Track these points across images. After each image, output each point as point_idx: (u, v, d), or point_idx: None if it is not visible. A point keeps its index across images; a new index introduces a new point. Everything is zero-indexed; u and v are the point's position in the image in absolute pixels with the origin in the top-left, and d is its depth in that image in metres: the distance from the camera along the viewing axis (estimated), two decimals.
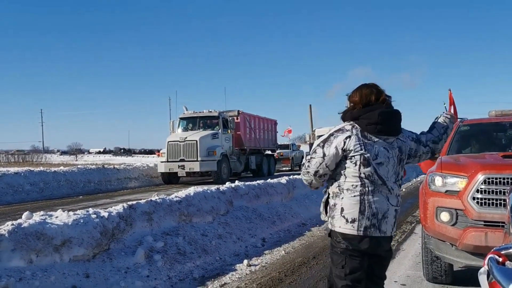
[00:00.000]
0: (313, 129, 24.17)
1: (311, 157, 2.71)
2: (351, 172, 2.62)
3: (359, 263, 2.65)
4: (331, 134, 2.67)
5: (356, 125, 2.66)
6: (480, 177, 4.00)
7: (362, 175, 2.60)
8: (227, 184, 8.62)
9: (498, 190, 3.92)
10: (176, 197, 6.70)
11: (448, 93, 12.21)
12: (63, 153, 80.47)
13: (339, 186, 2.67)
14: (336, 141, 2.62)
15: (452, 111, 11.88)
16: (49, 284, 4.15)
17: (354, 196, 2.61)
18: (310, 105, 24.40)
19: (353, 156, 2.61)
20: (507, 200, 2.95)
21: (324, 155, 2.64)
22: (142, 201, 6.19)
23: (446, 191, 4.24)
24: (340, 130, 2.67)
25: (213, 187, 7.95)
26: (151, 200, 6.31)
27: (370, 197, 2.60)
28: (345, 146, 2.61)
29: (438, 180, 4.33)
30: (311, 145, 23.06)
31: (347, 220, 2.60)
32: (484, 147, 5.40)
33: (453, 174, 4.26)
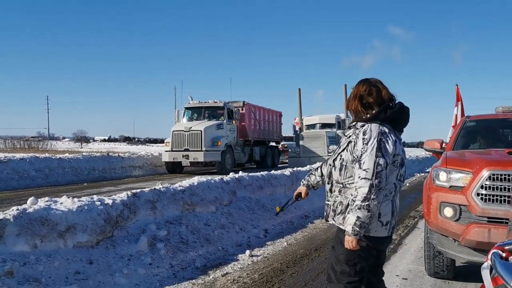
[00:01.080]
0: (302, 117, 22.73)
1: (376, 172, 2.43)
2: (393, 177, 2.56)
3: (370, 261, 2.66)
4: (380, 140, 2.48)
5: (389, 125, 2.58)
6: (485, 173, 3.98)
7: (399, 177, 2.59)
8: (231, 174, 8.63)
9: (502, 186, 3.90)
10: (180, 186, 6.72)
11: (455, 88, 12.03)
12: (71, 140, 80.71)
13: None
14: (389, 146, 2.51)
15: (459, 107, 11.74)
16: (53, 269, 4.19)
17: (390, 200, 2.58)
18: (299, 89, 22.47)
19: (396, 160, 2.55)
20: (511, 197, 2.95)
21: (387, 164, 2.48)
22: (146, 189, 6.22)
23: (451, 186, 4.23)
24: (385, 134, 2.52)
25: (217, 177, 7.96)
26: (155, 188, 6.34)
27: (396, 197, 2.62)
28: (396, 151, 2.54)
29: (443, 175, 4.32)
30: (297, 135, 21.62)
31: (382, 224, 2.57)
32: (490, 143, 5.37)
33: (458, 169, 4.24)
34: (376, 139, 2.48)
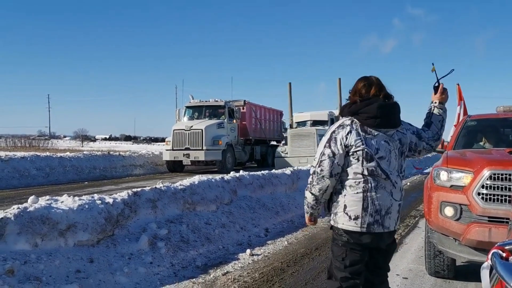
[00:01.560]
0: (292, 114, 20.65)
1: (320, 161, 2.62)
2: (354, 168, 2.60)
3: (359, 256, 2.66)
4: (333, 132, 2.64)
5: (355, 120, 2.63)
6: (486, 172, 3.98)
7: (365, 172, 2.58)
8: (232, 173, 8.63)
9: (503, 186, 3.90)
10: (180, 185, 6.72)
11: (456, 87, 12.01)
12: (72, 138, 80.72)
13: (341, 182, 2.65)
14: (339, 137, 2.60)
15: (462, 106, 11.65)
16: (54, 268, 4.19)
17: (357, 193, 2.59)
18: (290, 83, 20.22)
19: (355, 151, 2.58)
20: None
21: (333, 154, 2.59)
22: (147, 188, 6.22)
23: (451, 185, 4.22)
24: (341, 126, 2.64)
25: (218, 176, 7.97)
26: (155, 187, 6.34)
27: (373, 193, 2.59)
28: (346, 142, 2.59)
29: (444, 175, 4.32)
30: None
31: (350, 217, 2.60)
32: (491, 143, 5.37)
33: (459, 169, 4.24)
34: (330, 131, 2.67)
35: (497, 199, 3.92)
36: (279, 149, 19.94)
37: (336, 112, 20.15)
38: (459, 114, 11.05)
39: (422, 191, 4.98)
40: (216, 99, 20.02)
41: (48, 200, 4.97)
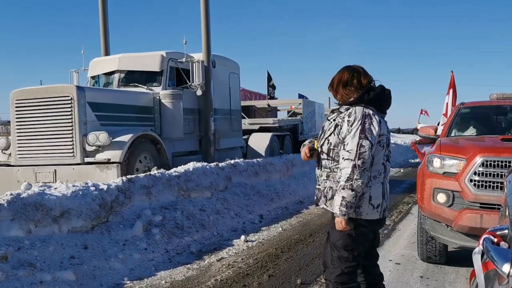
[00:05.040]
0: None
1: (359, 153, 2.48)
2: (380, 157, 2.60)
3: (367, 243, 2.70)
4: (364, 122, 2.53)
5: (373, 107, 2.62)
6: (478, 159, 4.00)
7: (385, 158, 2.62)
8: (227, 160, 8.64)
9: (495, 172, 3.93)
10: (175, 172, 6.72)
11: (450, 75, 12.00)
12: None
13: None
14: (373, 127, 2.54)
15: (451, 95, 11.66)
16: (48, 254, 4.20)
17: (380, 182, 2.62)
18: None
19: (381, 140, 2.59)
20: (504, 183, 2.97)
21: (372, 144, 2.51)
22: (141, 175, 6.22)
23: (444, 172, 4.25)
24: (369, 116, 2.56)
25: (212, 163, 7.97)
26: (150, 174, 6.34)
27: (386, 180, 2.66)
28: (381, 131, 2.57)
29: (436, 162, 4.34)
30: None
31: (373, 207, 2.59)
32: (484, 130, 5.39)
33: (452, 156, 4.26)
34: (360, 121, 2.54)
35: (489, 185, 3.95)
36: None
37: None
38: (447, 103, 11.08)
39: (415, 178, 5.01)
40: None
41: (41, 186, 4.95)
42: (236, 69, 11.04)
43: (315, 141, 2.83)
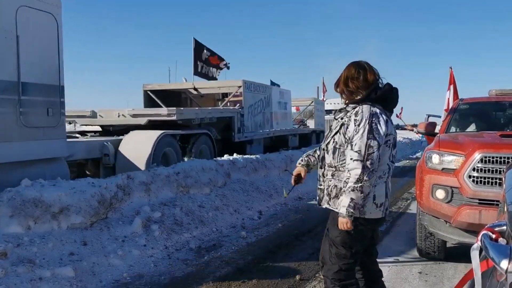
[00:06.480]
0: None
1: (368, 154, 2.45)
2: (386, 158, 2.58)
3: (364, 242, 2.70)
4: (371, 122, 2.49)
5: (380, 106, 2.60)
6: (477, 155, 4.01)
7: (391, 158, 2.61)
8: (225, 156, 8.63)
9: (494, 169, 3.94)
10: (174, 168, 6.72)
11: (449, 71, 12.01)
12: None
13: None
14: (381, 127, 2.52)
15: (452, 91, 11.71)
16: (47, 251, 4.20)
17: (383, 182, 2.61)
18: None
19: (388, 140, 2.57)
20: (503, 179, 2.97)
21: (379, 145, 2.49)
22: (140, 171, 6.21)
23: (443, 168, 4.26)
24: (376, 115, 2.53)
25: (211, 160, 7.97)
26: (149, 170, 6.33)
27: (389, 179, 2.66)
28: (387, 131, 2.55)
29: (435, 158, 4.35)
30: None
31: (377, 206, 2.59)
32: (483, 126, 5.40)
33: (451, 152, 4.27)
34: (367, 120, 2.50)
35: (488, 181, 3.96)
36: None
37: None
38: (448, 99, 11.11)
39: (414, 174, 5.02)
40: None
41: (40, 182, 4.94)
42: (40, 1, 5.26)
43: (311, 156, 2.88)
